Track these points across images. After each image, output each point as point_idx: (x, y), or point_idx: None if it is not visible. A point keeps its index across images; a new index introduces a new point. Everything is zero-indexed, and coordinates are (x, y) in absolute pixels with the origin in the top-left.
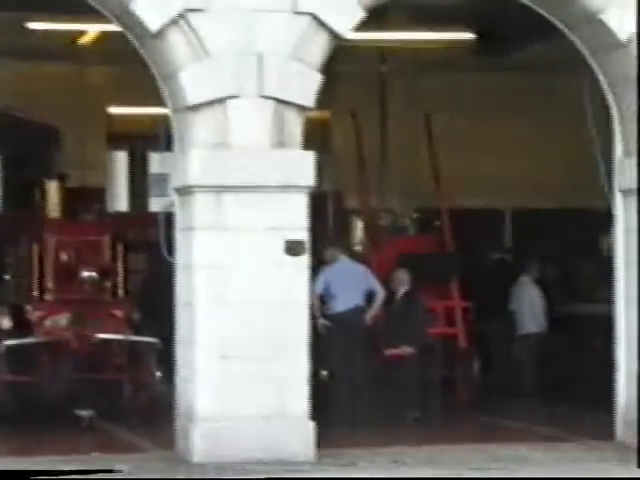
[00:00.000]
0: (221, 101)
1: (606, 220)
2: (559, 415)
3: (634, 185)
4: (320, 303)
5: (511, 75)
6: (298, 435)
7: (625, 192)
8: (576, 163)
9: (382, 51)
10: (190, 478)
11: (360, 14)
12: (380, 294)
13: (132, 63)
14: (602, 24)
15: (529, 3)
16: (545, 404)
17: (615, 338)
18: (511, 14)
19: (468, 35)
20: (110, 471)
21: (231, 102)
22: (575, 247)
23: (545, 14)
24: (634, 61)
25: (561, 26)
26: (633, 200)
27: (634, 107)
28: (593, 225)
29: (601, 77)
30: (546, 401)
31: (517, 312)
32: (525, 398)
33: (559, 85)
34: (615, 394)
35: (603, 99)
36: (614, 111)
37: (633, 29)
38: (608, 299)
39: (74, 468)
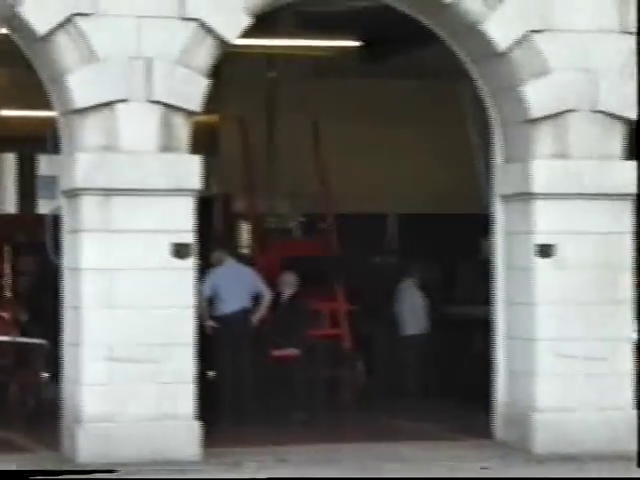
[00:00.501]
0: (109, 105)
1: (485, 224)
2: (441, 414)
3: (513, 190)
4: (208, 305)
5: (395, 81)
6: (184, 435)
7: (504, 197)
8: (458, 168)
9: (270, 57)
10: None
11: (246, 21)
12: (266, 296)
13: (21, 66)
14: (482, 34)
15: (411, 12)
16: (428, 403)
17: (494, 339)
18: (395, 22)
19: (353, 42)
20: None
21: (119, 106)
22: (456, 251)
23: (427, 23)
24: (513, 69)
25: (443, 35)
26: (512, 205)
27: (513, 114)
28: (473, 229)
29: (481, 85)
30: (429, 400)
31: (400, 314)
32: (409, 397)
33: (442, 92)
34: (494, 393)
35: (484, 106)
36: (494, 118)
37: (512, 39)
38: (487, 301)
39: None
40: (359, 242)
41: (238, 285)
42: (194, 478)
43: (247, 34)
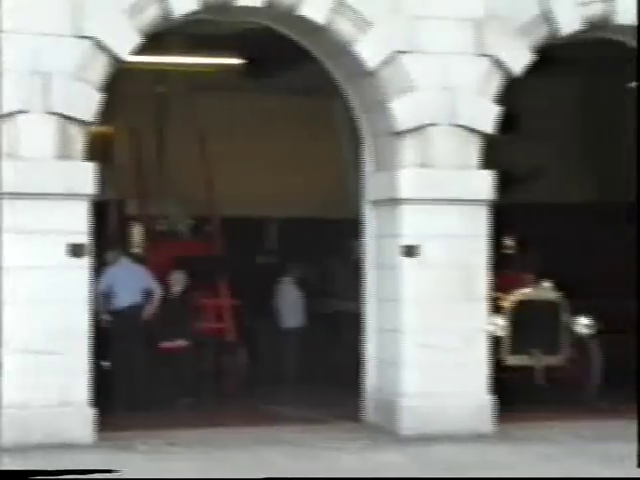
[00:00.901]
0: (11, 115)
1: (357, 227)
2: (317, 400)
3: (381, 196)
4: (103, 300)
5: (276, 97)
6: (79, 421)
7: (374, 202)
8: (333, 177)
9: (160, 73)
10: None
11: (137, 39)
12: (157, 293)
13: None
14: (353, 54)
15: (289, 34)
16: (305, 390)
17: (364, 331)
18: (275, 43)
19: (236, 60)
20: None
21: (20, 117)
22: (331, 251)
23: (303, 44)
24: (381, 87)
25: (318, 55)
26: (381, 210)
27: (382, 127)
28: (346, 232)
29: (353, 100)
30: (306, 387)
31: (279, 309)
32: (288, 385)
33: (318, 107)
34: (364, 381)
35: (355, 120)
36: (364, 131)
37: (380, 59)
38: (358, 297)
39: None
40: (243, 243)
41: (131, 282)
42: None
43: (139, 52)
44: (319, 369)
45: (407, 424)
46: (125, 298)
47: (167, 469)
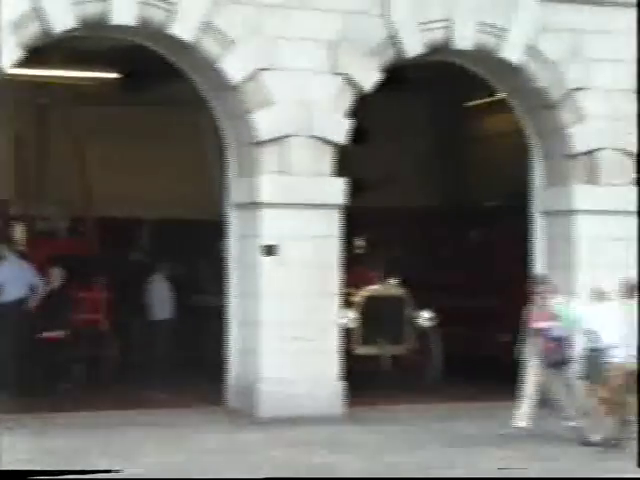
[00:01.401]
0: None
1: (222, 229)
2: (184, 386)
3: (244, 200)
4: None
5: (149, 108)
6: None
7: (237, 206)
8: (200, 182)
9: (42, 84)
10: None
11: (19, 53)
12: (40, 287)
13: None
14: (219, 70)
15: (160, 51)
16: (174, 377)
17: (228, 323)
18: (148, 58)
19: (113, 74)
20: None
21: None
22: (198, 250)
23: (173, 60)
24: (244, 100)
25: (187, 70)
26: (243, 212)
27: (245, 137)
28: (213, 232)
29: (219, 113)
30: (174, 375)
31: (150, 302)
32: (158, 372)
33: (187, 118)
34: (227, 368)
35: (220, 130)
36: (229, 140)
37: (243, 75)
38: (222, 292)
39: None
40: (117, 242)
41: (17, 277)
42: None
43: (21, 64)
44: (186, 358)
45: (265, 408)
46: (13, 292)
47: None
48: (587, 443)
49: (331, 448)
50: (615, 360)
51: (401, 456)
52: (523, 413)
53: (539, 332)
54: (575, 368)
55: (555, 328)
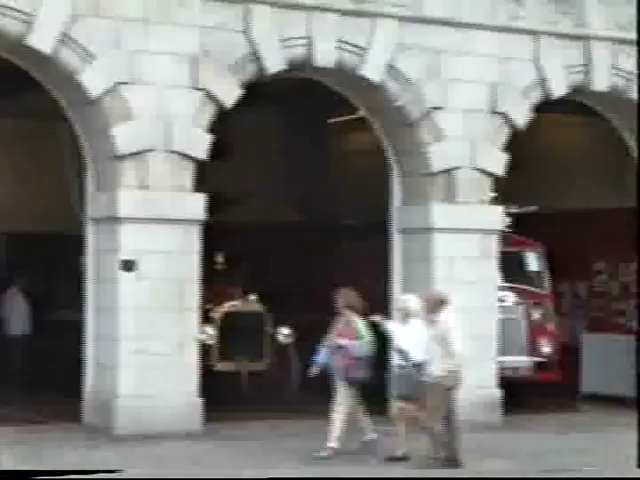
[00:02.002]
0: None
1: (80, 243)
2: (39, 402)
3: (102, 215)
4: None
5: (8, 119)
6: None
7: (95, 220)
8: (59, 195)
9: None
10: None
11: None
12: None
13: None
14: (78, 83)
15: (19, 63)
16: (30, 393)
17: (85, 338)
18: (7, 69)
19: None
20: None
21: None
22: (56, 264)
23: (33, 73)
24: (103, 114)
25: (46, 83)
26: (102, 227)
27: (104, 151)
28: (71, 246)
29: (78, 127)
30: (31, 391)
31: (6, 317)
32: (14, 389)
33: (46, 130)
34: (84, 384)
35: (79, 143)
36: (87, 154)
37: (102, 89)
38: (80, 307)
39: None
40: None
41: None
42: None
43: None
44: (43, 374)
45: (122, 424)
46: None
47: None
48: (392, 458)
49: (185, 464)
50: (427, 378)
51: (250, 471)
52: (333, 433)
53: (339, 349)
54: (392, 386)
55: (355, 346)
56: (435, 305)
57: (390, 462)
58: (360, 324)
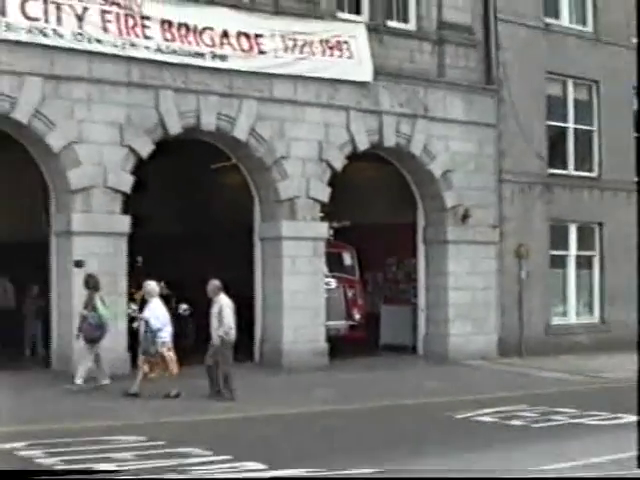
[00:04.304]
0: None
1: (46, 248)
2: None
3: (63, 229)
4: None
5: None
6: None
7: (57, 233)
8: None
9: None
10: None
11: None
12: None
13: None
14: (45, 143)
15: (2, 127)
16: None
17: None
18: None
19: None
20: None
21: None
22: (29, 265)
23: (14, 136)
24: (62, 163)
25: (24, 142)
26: (62, 238)
27: (60, 187)
28: (41, 251)
29: (44, 170)
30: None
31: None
32: None
33: (24, 174)
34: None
35: (46, 181)
36: (52, 188)
37: (60, 146)
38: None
39: None
40: None
41: None
42: None
43: None
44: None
45: None
46: None
47: None
48: (127, 394)
49: None
50: (161, 340)
51: None
52: (79, 373)
53: (84, 318)
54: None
55: (92, 316)
56: (215, 290)
57: (126, 397)
58: (98, 301)
